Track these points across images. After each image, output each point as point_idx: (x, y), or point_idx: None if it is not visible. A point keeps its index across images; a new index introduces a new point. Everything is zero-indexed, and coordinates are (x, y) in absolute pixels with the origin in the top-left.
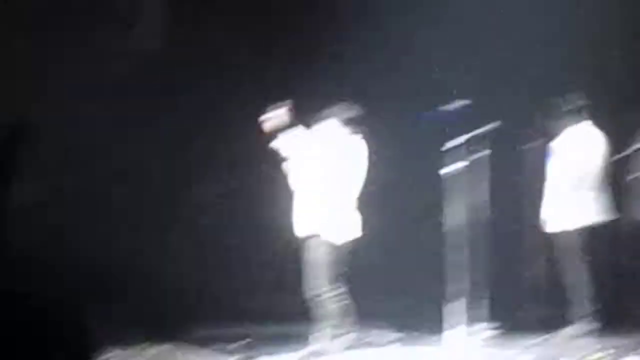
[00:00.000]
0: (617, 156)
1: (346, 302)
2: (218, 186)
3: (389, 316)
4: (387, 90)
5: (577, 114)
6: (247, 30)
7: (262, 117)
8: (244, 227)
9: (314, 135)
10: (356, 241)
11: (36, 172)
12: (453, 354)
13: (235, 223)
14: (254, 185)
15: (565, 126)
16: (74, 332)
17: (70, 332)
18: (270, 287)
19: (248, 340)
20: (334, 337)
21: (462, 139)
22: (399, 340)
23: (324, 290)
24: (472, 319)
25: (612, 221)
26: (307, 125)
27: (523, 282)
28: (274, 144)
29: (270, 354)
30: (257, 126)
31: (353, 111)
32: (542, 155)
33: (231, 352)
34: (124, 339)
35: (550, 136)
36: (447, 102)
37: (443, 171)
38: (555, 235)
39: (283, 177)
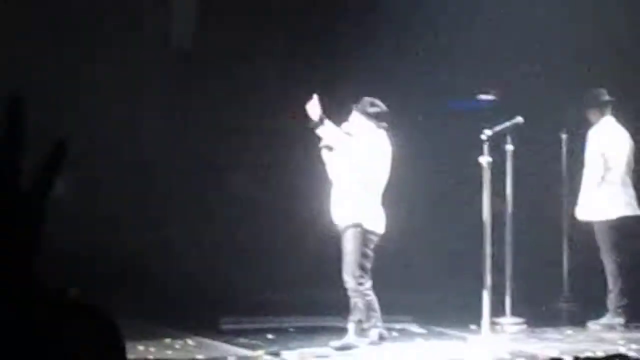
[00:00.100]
0: None
1: (372, 296)
2: (249, 179)
3: (414, 311)
4: (414, 84)
5: (602, 110)
6: (276, 27)
7: (296, 110)
8: (274, 220)
9: (344, 128)
10: (383, 234)
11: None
12: (478, 349)
13: (262, 217)
14: (284, 177)
15: (592, 121)
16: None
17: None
18: (296, 281)
19: (274, 334)
20: (360, 331)
21: (490, 131)
22: (424, 334)
23: (352, 283)
24: (500, 313)
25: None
26: (338, 118)
27: (551, 276)
28: (307, 136)
29: (296, 347)
30: (288, 120)
31: (380, 106)
32: (569, 150)
33: (256, 346)
34: (150, 333)
35: (577, 131)
36: (474, 96)
37: (471, 164)
38: (585, 228)
39: (315, 170)
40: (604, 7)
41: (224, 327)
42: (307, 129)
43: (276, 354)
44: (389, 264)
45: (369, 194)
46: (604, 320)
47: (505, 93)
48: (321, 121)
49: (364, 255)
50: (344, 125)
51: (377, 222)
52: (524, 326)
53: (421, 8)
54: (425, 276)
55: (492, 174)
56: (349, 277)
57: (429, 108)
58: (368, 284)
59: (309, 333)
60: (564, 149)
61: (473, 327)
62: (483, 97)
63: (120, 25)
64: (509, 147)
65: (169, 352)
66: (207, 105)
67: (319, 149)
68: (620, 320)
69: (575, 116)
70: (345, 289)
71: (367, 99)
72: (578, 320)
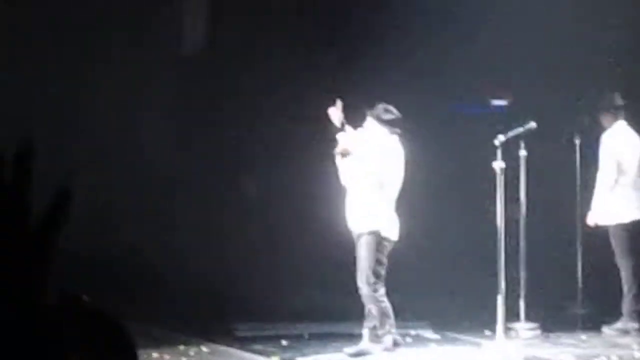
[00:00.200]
0: None
1: (386, 302)
2: (264, 184)
3: (429, 316)
4: (426, 90)
5: (616, 114)
6: (287, 31)
7: (317, 115)
8: (289, 226)
9: (358, 134)
10: (398, 241)
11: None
12: (492, 354)
13: (280, 223)
14: (299, 183)
15: (605, 125)
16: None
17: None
18: (310, 287)
19: (288, 340)
20: (375, 337)
21: (504, 137)
22: (439, 340)
23: (367, 290)
24: (514, 318)
25: None
26: (352, 125)
27: (565, 280)
28: (323, 142)
29: (311, 354)
30: (303, 125)
31: (394, 112)
32: (583, 154)
33: (271, 353)
34: (165, 340)
35: (591, 135)
36: (486, 101)
37: (485, 169)
38: (600, 232)
39: (332, 174)
40: (617, 10)
41: (239, 333)
42: (325, 133)
43: None
44: (403, 270)
45: (384, 201)
46: (619, 324)
47: (519, 98)
48: (342, 127)
49: (378, 262)
50: (358, 131)
51: (392, 229)
52: (539, 331)
53: (433, 13)
54: (439, 282)
55: (506, 179)
56: (363, 284)
57: (441, 113)
58: (382, 290)
59: (324, 339)
60: (578, 154)
61: (487, 332)
62: (496, 102)
63: (130, 29)
64: (523, 153)
65: (184, 359)
66: (218, 108)
67: (333, 155)
68: (635, 324)
69: (588, 121)
70: (359, 295)
71: (381, 105)
72: (593, 325)
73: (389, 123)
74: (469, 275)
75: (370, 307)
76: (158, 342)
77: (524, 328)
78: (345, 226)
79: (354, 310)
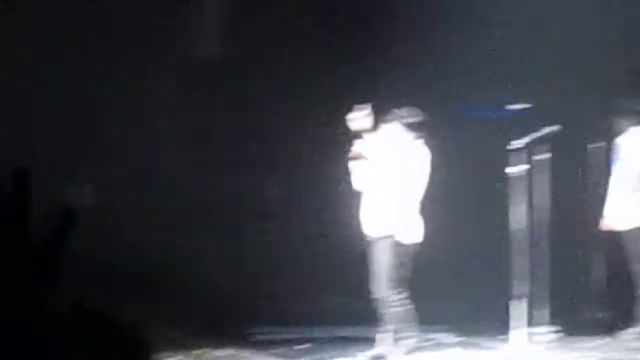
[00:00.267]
0: None
1: (408, 305)
2: (282, 188)
3: (450, 320)
4: (449, 92)
5: (634, 120)
6: (309, 35)
7: (348, 118)
8: (304, 230)
9: (379, 138)
10: (418, 244)
11: (93, 174)
12: (512, 358)
13: (297, 225)
14: (318, 186)
15: (624, 129)
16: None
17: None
18: (331, 290)
19: (309, 344)
20: (396, 340)
21: (524, 141)
22: (460, 344)
23: (386, 293)
24: (533, 322)
25: None
26: (373, 128)
27: (584, 284)
28: (342, 145)
29: (326, 358)
30: (320, 128)
31: (416, 115)
32: (603, 158)
33: (292, 357)
34: (180, 345)
35: (611, 139)
36: (509, 104)
37: (505, 173)
38: (616, 236)
39: (350, 179)
40: (635, 12)
41: (253, 338)
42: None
43: None
44: (424, 274)
45: (404, 204)
46: (636, 328)
47: (535, 103)
48: (365, 131)
49: (397, 266)
50: (381, 133)
51: (412, 232)
52: (558, 336)
53: (450, 15)
54: (459, 286)
55: (522, 183)
56: (382, 288)
57: (460, 116)
58: (402, 294)
59: (340, 343)
60: (594, 158)
61: (505, 336)
62: (514, 105)
63: (143, 32)
64: (538, 156)
65: None
66: (232, 112)
67: (347, 158)
68: None
69: (605, 125)
70: (375, 299)
71: (405, 109)
72: (609, 329)
73: (413, 127)
74: (486, 279)
75: (389, 311)
76: (173, 347)
77: (541, 332)
78: (361, 230)
79: (371, 314)
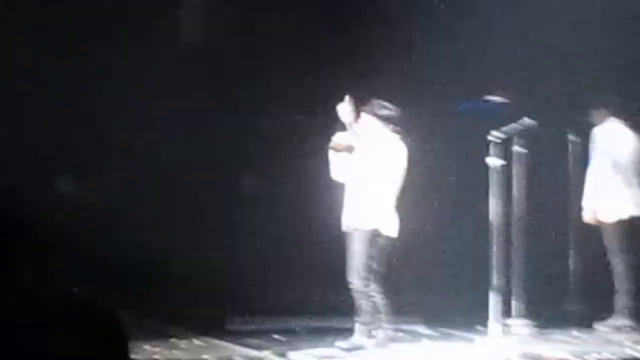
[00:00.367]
0: None
1: (381, 297)
2: (257, 178)
3: (423, 312)
4: (425, 86)
5: (611, 112)
6: (289, 27)
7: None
8: (281, 220)
9: (358, 130)
10: (395, 237)
11: (79, 167)
12: (488, 350)
13: (272, 216)
14: (292, 177)
15: (602, 121)
16: (107, 326)
17: (103, 327)
18: (303, 282)
19: (286, 334)
20: (369, 332)
21: (502, 134)
22: (433, 336)
23: (363, 284)
24: (510, 314)
25: None
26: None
27: (561, 277)
28: (322, 137)
29: (303, 348)
30: (303, 119)
31: (391, 109)
32: (580, 150)
33: (269, 347)
34: (157, 333)
35: (588, 131)
36: (485, 98)
37: (482, 166)
38: (592, 229)
39: (327, 171)
40: (617, 6)
41: (231, 327)
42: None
43: (283, 355)
44: (401, 266)
45: (382, 197)
46: (611, 321)
47: (514, 94)
48: (351, 124)
49: (372, 258)
50: (360, 126)
51: (389, 226)
52: (532, 328)
53: (432, 9)
54: (433, 278)
55: (500, 175)
56: (356, 279)
57: (437, 109)
58: (374, 286)
59: (316, 334)
60: (572, 150)
61: (481, 328)
62: (491, 98)
63: (129, 20)
64: (517, 149)
65: (176, 352)
66: (219, 103)
67: (327, 149)
68: (627, 321)
69: (583, 117)
70: (353, 291)
71: (378, 102)
72: (585, 321)
73: (387, 120)
74: (462, 271)
75: (362, 302)
76: (150, 334)
77: (518, 324)
78: (338, 221)
79: (347, 305)
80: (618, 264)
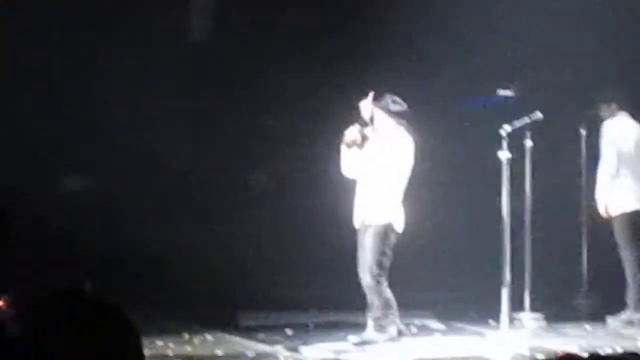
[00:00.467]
0: None
1: (389, 293)
2: (267, 174)
3: (435, 307)
4: (431, 81)
5: (617, 105)
6: (294, 24)
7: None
8: (293, 215)
9: (369, 126)
10: (404, 232)
11: (78, 160)
12: (497, 344)
13: (286, 211)
14: (303, 173)
15: (607, 115)
16: (119, 322)
17: (115, 323)
18: (314, 277)
19: (292, 329)
20: (380, 327)
21: (508, 128)
22: (445, 330)
23: (370, 281)
24: (519, 309)
25: None
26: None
27: (571, 270)
28: (331, 135)
29: (315, 343)
30: (311, 114)
31: (402, 104)
32: (590, 145)
33: (280, 341)
34: (169, 329)
35: (597, 126)
36: (493, 92)
37: (489, 161)
38: (604, 223)
39: (334, 166)
40: (626, 1)
41: (243, 322)
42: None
43: (295, 350)
44: (409, 261)
45: (392, 192)
46: (624, 315)
47: (525, 88)
48: (371, 121)
49: (383, 253)
50: (364, 122)
51: (398, 221)
52: (543, 322)
53: (439, 2)
54: (445, 272)
55: (511, 170)
56: (367, 275)
57: (447, 104)
58: (384, 281)
59: (328, 328)
60: (583, 144)
61: (492, 322)
62: (502, 92)
63: (137, 17)
64: (528, 143)
65: (188, 347)
66: (225, 100)
67: (339, 143)
68: (636, 318)
69: (594, 111)
70: (363, 285)
71: (388, 96)
72: (597, 315)
73: (397, 114)
74: (473, 265)
75: (373, 298)
76: (162, 331)
77: (529, 318)
78: (350, 216)
79: (358, 299)
80: (628, 258)
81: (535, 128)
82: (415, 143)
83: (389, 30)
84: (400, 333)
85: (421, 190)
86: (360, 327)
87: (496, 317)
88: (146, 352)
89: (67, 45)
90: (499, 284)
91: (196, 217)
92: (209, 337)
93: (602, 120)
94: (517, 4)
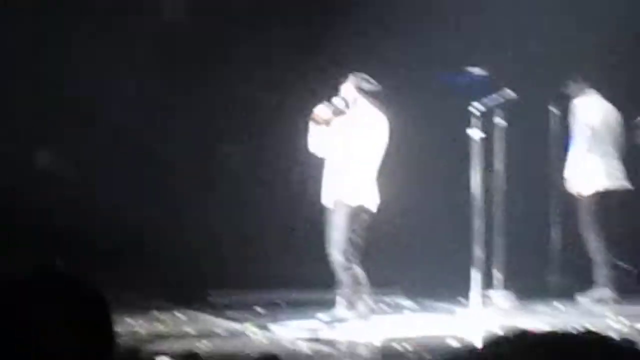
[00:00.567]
0: (632, 124)
1: (359, 270)
2: (240, 151)
3: (404, 284)
4: (402, 58)
5: (589, 84)
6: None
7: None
8: (262, 193)
9: (340, 104)
10: (376, 209)
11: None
12: (469, 322)
13: (257, 189)
14: (274, 152)
15: (577, 93)
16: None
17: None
18: (284, 254)
19: (262, 307)
20: (350, 304)
21: (480, 106)
22: (414, 308)
23: (340, 258)
24: (489, 286)
25: (626, 188)
26: (325, 92)
27: (539, 249)
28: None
29: (285, 320)
30: (283, 91)
31: (374, 83)
32: (559, 124)
33: (251, 319)
34: (139, 306)
35: (567, 105)
36: (463, 70)
37: (462, 139)
38: (573, 201)
39: (307, 145)
40: None
41: (213, 300)
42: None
43: (265, 327)
44: (379, 239)
45: (362, 171)
46: (593, 292)
47: (495, 66)
48: (349, 104)
49: (354, 231)
50: (335, 100)
51: (369, 199)
52: (514, 299)
53: None
54: (414, 249)
55: (482, 148)
56: (337, 252)
57: (418, 82)
58: (354, 258)
59: (298, 306)
60: (554, 122)
61: (463, 300)
62: (473, 70)
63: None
64: (499, 121)
65: (157, 324)
66: (200, 76)
67: (308, 120)
68: (608, 291)
69: (563, 89)
70: (334, 263)
71: (359, 75)
72: (568, 293)
73: (369, 93)
74: (443, 243)
75: (343, 275)
76: (132, 308)
77: (500, 296)
78: (319, 194)
79: (328, 276)
80: (591, 235)
81: (506, 106)
82: (389, 122)
83: (359, 8)
84: (370, 310)
85: (393, 168)
86: (330, 304)
87: (466, 295)
88: (116, 329)
89: (40, 27)
90: (469, 262)
91: (167, 194)
92: (179, 314)
93: (572, 98)
94: None
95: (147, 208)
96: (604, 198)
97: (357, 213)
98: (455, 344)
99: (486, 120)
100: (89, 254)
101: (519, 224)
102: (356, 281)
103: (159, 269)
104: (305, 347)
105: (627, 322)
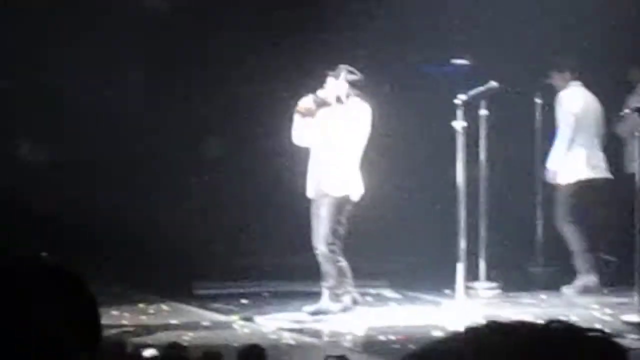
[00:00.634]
0: (614, 116)
1: (343, 262)
2: (224, 144)
3: (389, 276)
4: (387, 49)
5: (571, 74)
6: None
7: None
8: (248, 184)
9: (324, 95)
10: (360, 201)
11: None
12: (452, 313)
13: (240, 182)
14: (258, 143)
15: (561, 85)
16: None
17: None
18: (270, 247)
19: (247, 299)
20: (335, 296)
21: (464, 97)
22: (400, 300)
23: (325, 250)
24: (474, 278)
25: (609, 178)
26: (310, 84)
27: (525, 241)
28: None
29: (270, 313)
30: (266, 87)
31: (358, 74)
32: (544, 114)
33: (230, 311)
34: (124, 298)
35: (552, 96)
36: (448, 61)
37: (445, 129)
38: (554, 190)
39: (292, 137)
40: None
41: (198, 292)
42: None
43: (250, 319)
44: (364, 230)
45: (346, 162)
46: (576, 283)
47: (480, 57)
48: (339, 100)
49: (338, 222)
50: (320, 92)
51: (353, 190)
52: (499, 291)
53: None
54: (400, 241)
55: (466, 139)
56: (322, 244)
57: (402, 73)
58: (339, 250)
59: (283, 298)
60: (538, 114)
61: (447, 292)
62: (457, 61)
63: None
64: (483, 112)
65: (143, 317)
66: (183, 68)
67: (293, 112)
68: (592, 278)
69: (549, 80)
70: (318, 255)
71: (344, 67)
72: (552, 284)
73: (353, 85)
74: (428, 234)
75: (328, 267)
76: (117, 300)
77: (484, 287)
78: (304, 186)
79: (313, 268)
80: (567, 225)
81: (490, 97)
82: (372, 112)
83: (344, 0)
84: (355, 302)
85: (376, 159)
86: (315, 296)
87: (451, 286)
88: (102, 321)
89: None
90: (454, 253)
91: (151, 186)
92: (164, 306)
93: (556, 90)
94: None
95: (132, 201)
96: (586, 188)
97: (342, 204)
98: (440, 335)
99: (471, 112)
100: (74, 247)
101: (503, 215)
102: (340, 273)
103: (144, 260)
104: (290, 339)
105: (609, 313)
